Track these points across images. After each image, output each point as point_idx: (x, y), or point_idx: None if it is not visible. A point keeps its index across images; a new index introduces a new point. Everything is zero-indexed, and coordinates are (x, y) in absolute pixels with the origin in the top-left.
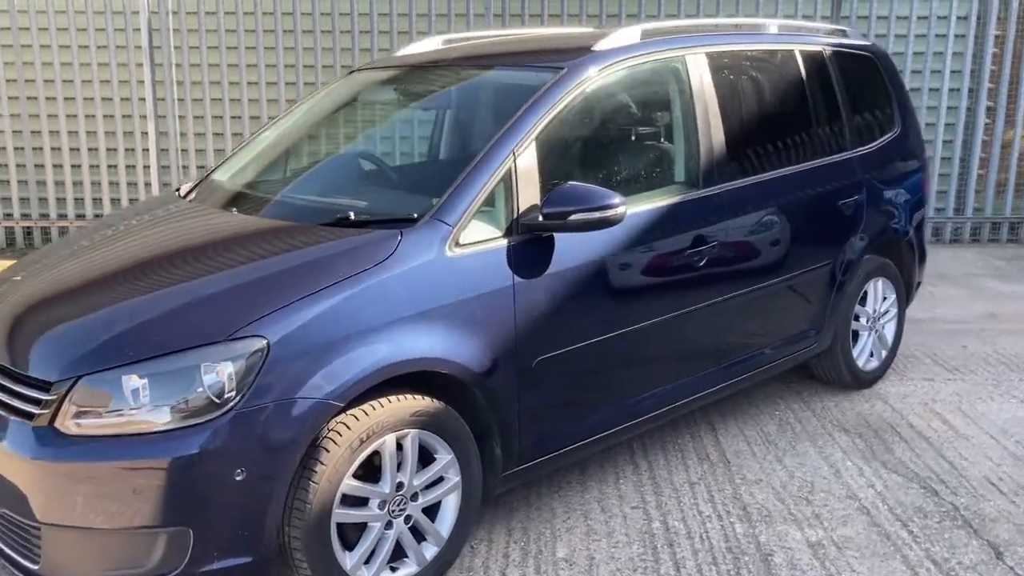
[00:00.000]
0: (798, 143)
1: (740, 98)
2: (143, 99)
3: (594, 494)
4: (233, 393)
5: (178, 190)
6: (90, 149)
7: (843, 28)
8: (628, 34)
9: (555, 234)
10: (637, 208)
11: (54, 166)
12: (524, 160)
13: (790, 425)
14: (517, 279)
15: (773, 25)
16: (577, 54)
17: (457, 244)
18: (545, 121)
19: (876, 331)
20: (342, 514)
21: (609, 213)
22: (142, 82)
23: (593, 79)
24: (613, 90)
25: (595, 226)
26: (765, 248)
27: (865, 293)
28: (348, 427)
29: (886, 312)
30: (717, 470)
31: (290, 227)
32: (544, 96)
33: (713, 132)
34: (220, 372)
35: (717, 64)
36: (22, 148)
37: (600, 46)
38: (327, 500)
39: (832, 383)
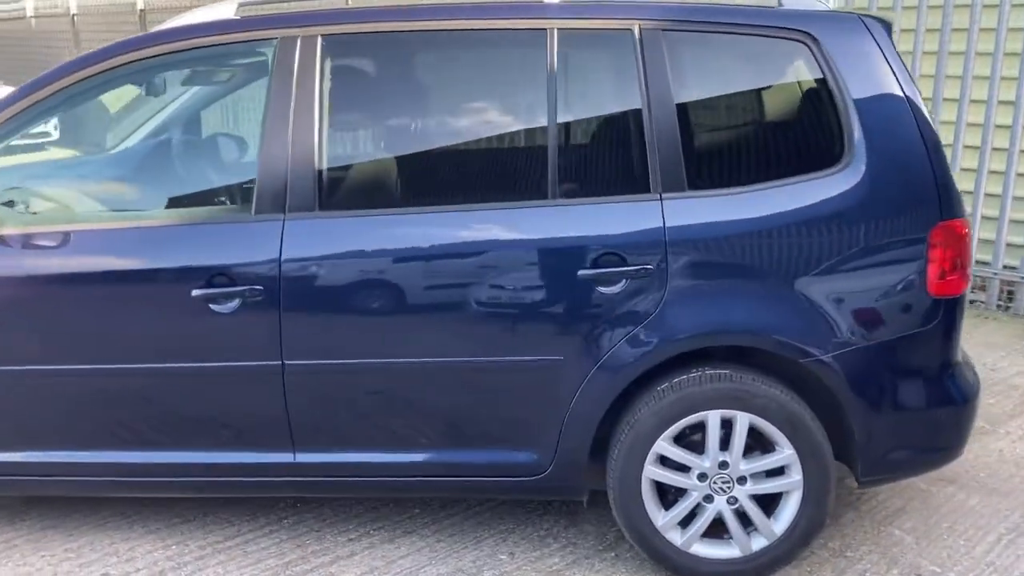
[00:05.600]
0: (475, 174)
1: (383, 99)
2: None
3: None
4: None
5: None
6: None
7: None
8: (219, 10)
9: None
10: (95, 226)
11: None
12: None
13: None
14: None
15: None
16: None
17: None
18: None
19: (732, 499)
20: None
21: None
22: None
23: (107, 69)
24: (138, 81)
25: None
26: (350, 310)
27: (698, 429)
28: None
29: (773, 474)
30: None
31: None
32: (24, 89)
33: (295, 143)
34: None
35: (347, 49)
36: None
37: (164, 26)
38: None
39: None
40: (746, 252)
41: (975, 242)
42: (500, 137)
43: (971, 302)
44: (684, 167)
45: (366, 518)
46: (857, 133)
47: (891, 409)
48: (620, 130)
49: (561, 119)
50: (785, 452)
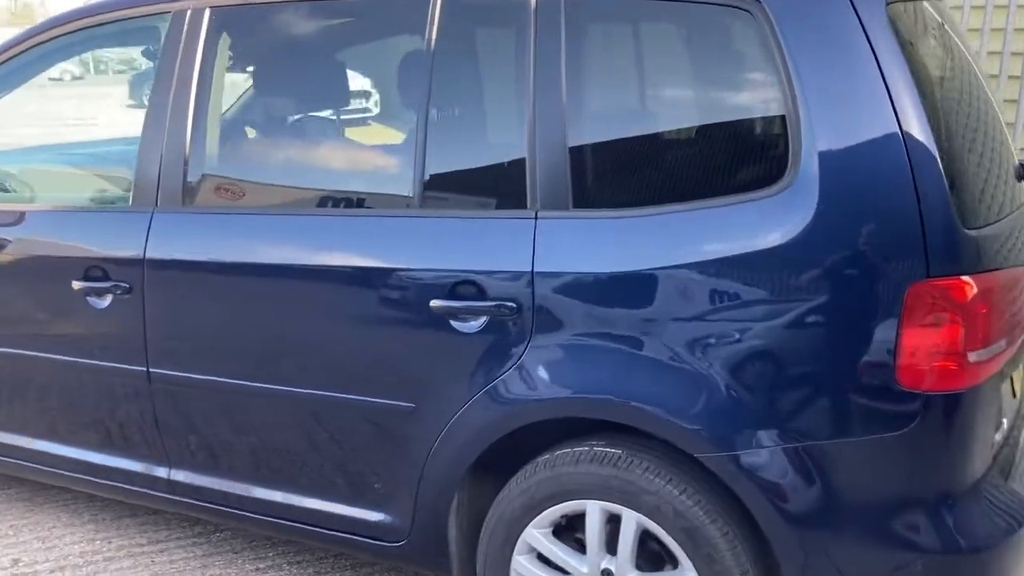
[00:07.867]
0: (340, 173)
1: (260, 82)
2: None
3: None
4: None
5: None
6: None
7: None
8: None
9: None
10: None
11: None
12: None
13: None
14: None
15: None
16: None
17: None
18: None
19: None
20: None
21: None
22: None
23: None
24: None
25: None
26: (199, 319)
27: (578, 521)
28: None
29: None
30: None
31: None
32: None
33: (170, 129)
34: None
35: (232, 26)
36: None
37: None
38: None
39: None
40: (636, 296)
41: None
42: (369, 132)
43: None
44: (570, 179)
45: (292, 547)
46: (807, 144)
47: (838, 543)
48: (500, 127)
49: (435, 111)
50: (685, 573)
